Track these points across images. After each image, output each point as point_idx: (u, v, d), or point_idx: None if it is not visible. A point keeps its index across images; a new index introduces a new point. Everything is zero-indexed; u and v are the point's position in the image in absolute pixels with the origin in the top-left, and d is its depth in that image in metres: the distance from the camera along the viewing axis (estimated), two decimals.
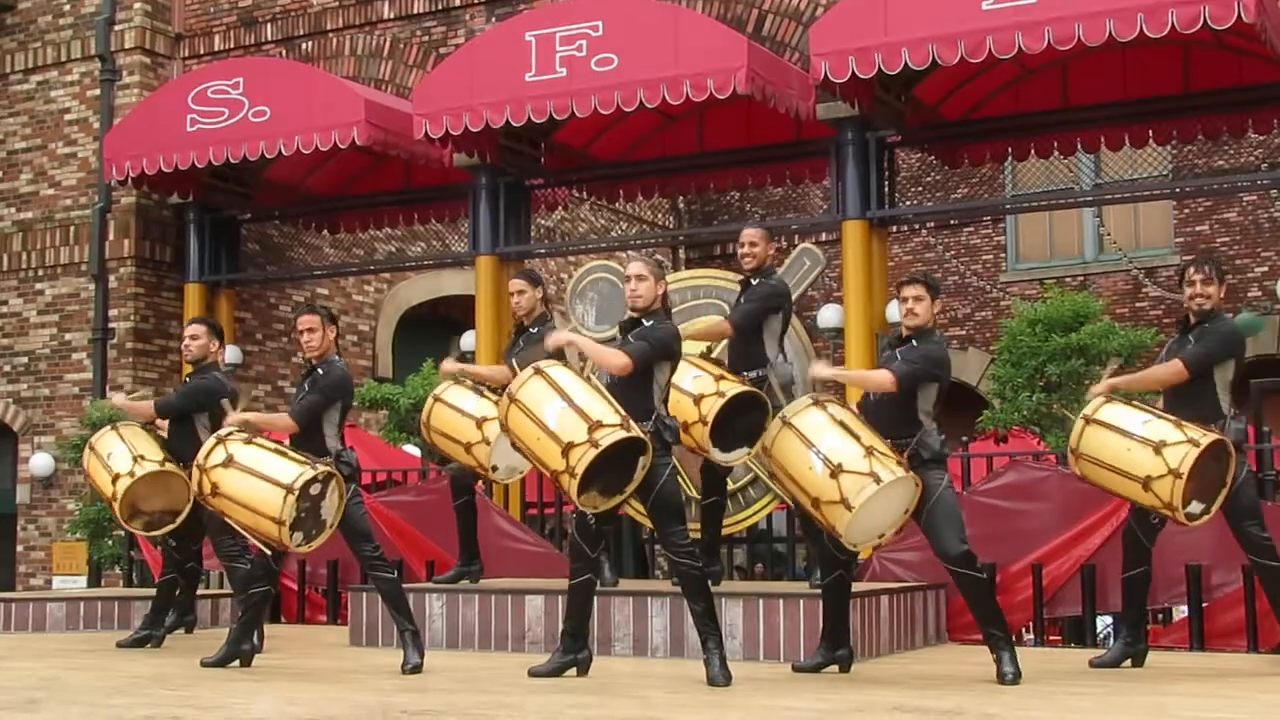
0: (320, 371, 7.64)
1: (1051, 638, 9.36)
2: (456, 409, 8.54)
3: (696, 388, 7.73)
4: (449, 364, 8.95)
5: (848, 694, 6.31)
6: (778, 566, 12.44)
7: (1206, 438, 6.73)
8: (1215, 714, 5.69)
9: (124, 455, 8.57)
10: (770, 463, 6.94)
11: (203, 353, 8.74)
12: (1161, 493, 6.71)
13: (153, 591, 9.60)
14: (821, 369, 7.28)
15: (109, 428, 8.96)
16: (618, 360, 6.70)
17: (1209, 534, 7.58)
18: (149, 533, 8.93)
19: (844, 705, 5.92)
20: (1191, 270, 7.27)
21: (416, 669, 7.23)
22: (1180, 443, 6.71)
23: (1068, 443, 7.19)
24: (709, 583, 7.10)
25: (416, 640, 7.42)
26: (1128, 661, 7.37)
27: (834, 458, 6.56)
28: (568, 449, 6.38)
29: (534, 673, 6.90)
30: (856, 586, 8.18)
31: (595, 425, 6.38)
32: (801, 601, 7.77)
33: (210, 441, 7.49)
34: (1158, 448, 6.74)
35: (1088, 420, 7.01)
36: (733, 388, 7.70)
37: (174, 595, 9.16)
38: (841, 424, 6.74)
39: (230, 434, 7.51)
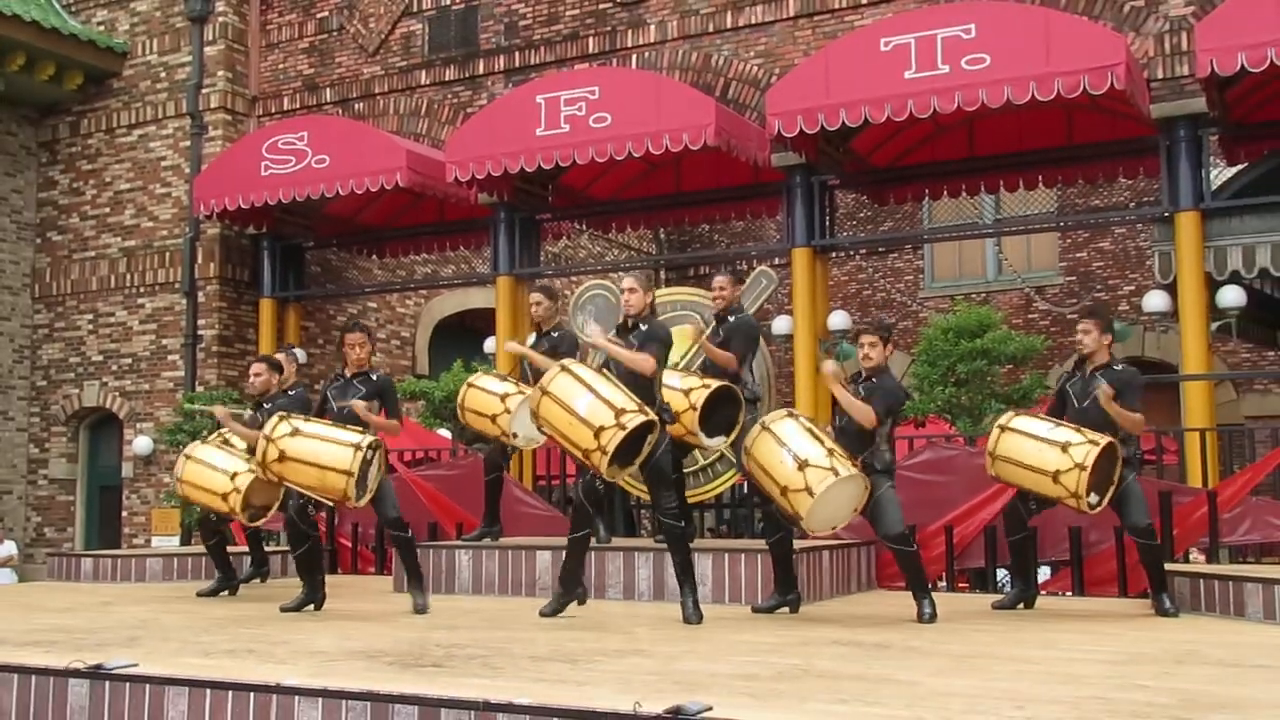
0: (374, 377, 7.63)
1: (960, 585, 9.36)
2: (486, 390, 8.54)
3: (684, 384, 7.75)
4: (514, 345, 8.48)
5: (796, 630, 6.30)
6: (740, 526, 12.42)
7: (1103, 439, 6.76)
8: (1094, 646, 5.70)
9: (230, 459, 8.46)
10: (749, 460, 6.85)
11: (265, 387, 8.54)
12: (1068, 483, 6.72)
13: (241, 548, 9.57)
14: (828, 367, 7.03)
15: (198, 443, 8.81)
16: (647, 365, 6.71)
17: None
18: (251, 523, 8.70)
19: (793, 639, 5.90)
20: (1080, 324, 7.35)
21: (424, 609, 7.27)
22: (1082, 443, 6.75)
23: (986, 447, 7.09)
24: (688, 539, 7.11)
25: (422, 584, 7.52)
26: (1021, 604, 7.37)
27: (801, 454, 6.56)
28: (599, 431, 6.40)
29: (543, 613, 6.88)
30: (805, 543, 8.18)
31: (620, 411, 6.43)
32: (759, 555, 7.76)
33: (274, 419, 7.34)
34: (1064, 447, 6.77)
35: (1003, 428, 6.98)
36: (715, 383, 7.71)
37: (226, 556, 9.01)
38: (809, 431, 6.75)
39: (289, 415, 7.42)
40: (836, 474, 6.49)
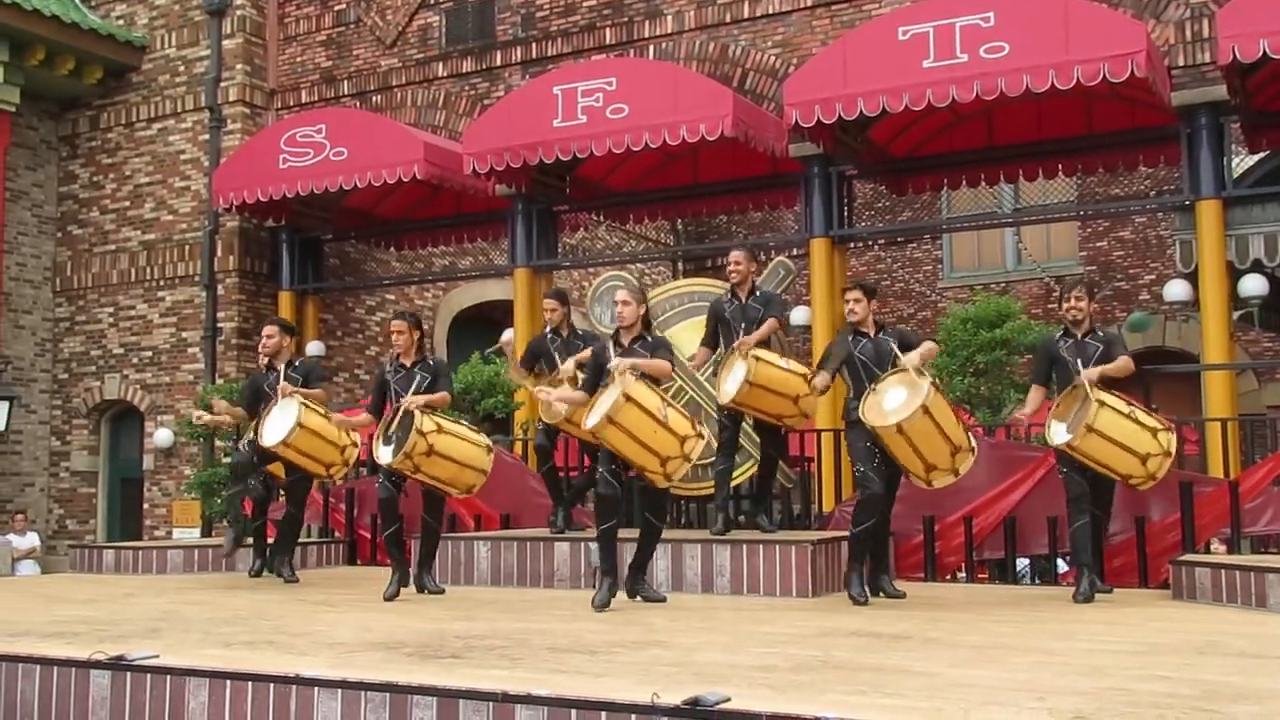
0: (431, 362, 7.77)
1: (980, 576, 9.33)
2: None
3: (795, 366, 7.74)
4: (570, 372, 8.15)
5: (815, 621, 6.28)
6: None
7: (1171, 426, 7.02)
8: (1114, 637, 5.67)
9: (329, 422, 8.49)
10: (910, 434, 6.75)
11: (276, 349, 8.72)
12: (1153, 468, 6.95)
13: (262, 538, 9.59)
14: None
15: (298, 398, 8.36)
16: (666, 369, 6.94)
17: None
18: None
19: (812, 630, 5.89)
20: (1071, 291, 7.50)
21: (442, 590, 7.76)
22: (1164, 429, 6.95)
23: (1084, 418, 6.87)
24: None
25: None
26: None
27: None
28: (684, 440, 6.67)
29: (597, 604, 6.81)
30: (824, 534, 8.18)
31: (693, 423, 6.76)
32: (777, 546, 7.75)
33: (420, 415, 7.36)
34: (1154, 432, 6.91)
35: (1102, 404, 6.91)
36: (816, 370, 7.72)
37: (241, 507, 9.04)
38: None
39: (432, 411, 7.55)
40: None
